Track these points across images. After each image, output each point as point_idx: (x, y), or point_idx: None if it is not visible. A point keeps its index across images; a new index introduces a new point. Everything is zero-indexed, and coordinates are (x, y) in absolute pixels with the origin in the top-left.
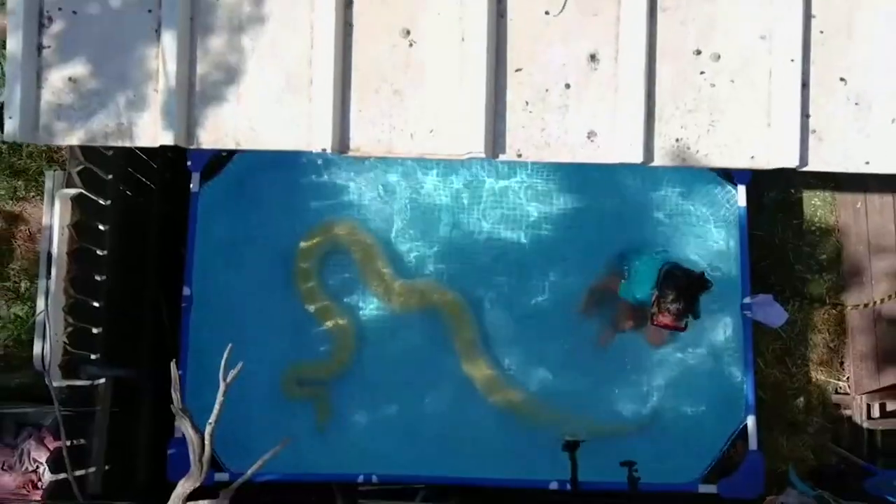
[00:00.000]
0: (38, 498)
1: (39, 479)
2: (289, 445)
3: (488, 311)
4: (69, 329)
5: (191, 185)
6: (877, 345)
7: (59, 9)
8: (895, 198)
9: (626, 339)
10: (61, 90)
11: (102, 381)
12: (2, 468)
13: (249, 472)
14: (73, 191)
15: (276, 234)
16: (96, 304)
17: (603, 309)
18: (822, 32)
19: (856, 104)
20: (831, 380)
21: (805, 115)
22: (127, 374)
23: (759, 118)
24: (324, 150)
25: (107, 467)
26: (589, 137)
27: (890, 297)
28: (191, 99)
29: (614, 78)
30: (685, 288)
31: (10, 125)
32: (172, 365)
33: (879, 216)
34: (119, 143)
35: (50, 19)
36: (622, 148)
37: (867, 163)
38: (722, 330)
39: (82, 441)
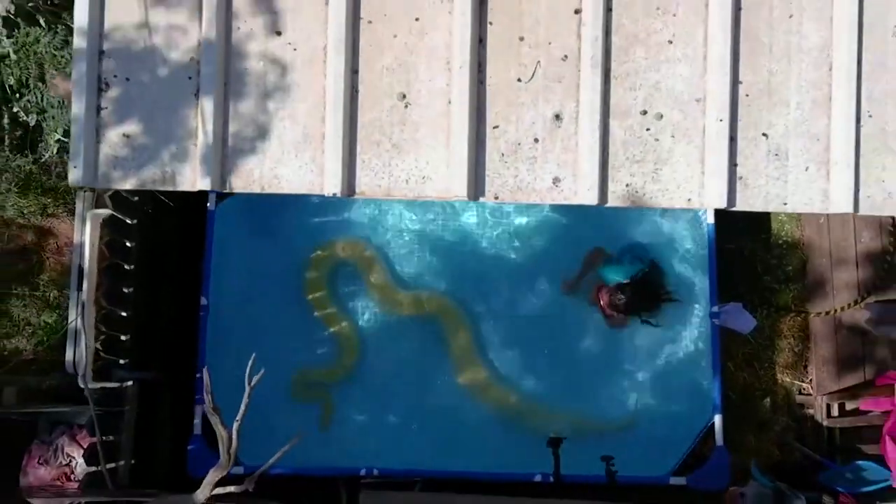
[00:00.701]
0: (71, 489)
1: (72, 472)
2: (301, 442)
3: (481, 318)
4: (102, 337)
5: (207, 204)
6: (837, 350)
7: (115, 76)
8: (855, 215)
9: (607, 346)
10: (117, 144)
11: (130, 383)
12: (38, 462)
13: (270, 462)
14: (105, 211)
15: (286, 250)
16: (124, 314)
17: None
18: (747, 96)
19: (775, 155)
20: (795, 382)
21: (733, 164)
22: (151, 377)
23: (694, 167)
24: (334, 194)
25: (133, 461)
26: (554, 183)
27: (850, 305)
28: (224, 151)
29: (575, 134)
30: (635, 292)
31: (75, 174)
32: (205, 371)
33: (841, 231)
34: (164, 188)
35: (107, 85)
36: (582, 192)
37: (785, 203)
38: (693, 337)
39: (112, 437)
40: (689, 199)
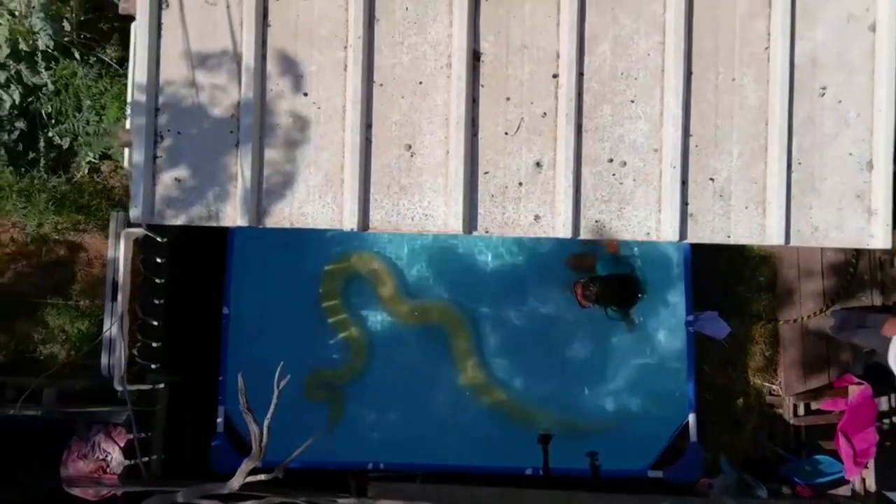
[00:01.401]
0: (107, 480)
1: (108, 466)
2: (301, 439)
3: (480, 325)
4: (137, 344)
5: None
6: (804, 354)
7: (168, 130)
8: None
9: (592, 352)
10: (170, 187)
11: (161, 385)
12: (77, 457)
13: (295, 454)
14: (138, 231)
15: (302, 263)
16: (156, 323)
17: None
18: (696, 146)
19: (720, 196)
20: (766, 384)
21: (684, 203)
22: (179, 380)
23: (652, 206)
24: (351, 229)
25: (163, 456)
26: (535, 219)
27: (816, 313)
28: (260, 193)
29: (553, 179)
30: (607, 288)
31: (135, 212)
32: (240, 377)
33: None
34: (209, 224)
35: (162, 137)
36: (558, 227)
37: (728, 237)
38: (670, 343)
39: (146, 434)
40: (647, 234)
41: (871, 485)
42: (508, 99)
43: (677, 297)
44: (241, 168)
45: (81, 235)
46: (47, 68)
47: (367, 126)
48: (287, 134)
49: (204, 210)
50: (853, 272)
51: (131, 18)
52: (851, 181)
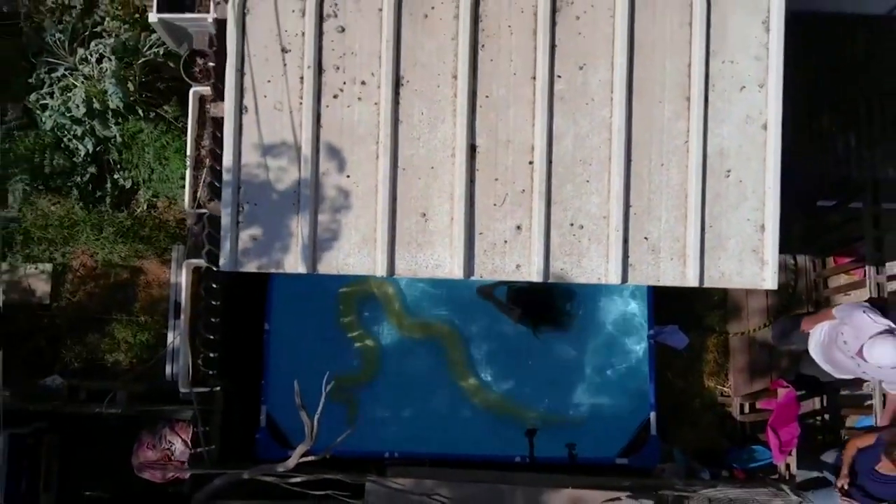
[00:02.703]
0: (171, 467)
1: (172, 454)
2: (332, 432)
3: (473, 339)
4: (200, 355)
5: None
6: (750, 361)
7: (247, 201)
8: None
9: (569, 359)
10: (247, 242)
11: (217, 388)
12: (146, 447)
13: (336, 441)
14: (198, 261)
15: (327, 287)
16: (213, 338)
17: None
18: (635, 214)
19: (652, 250)
20: (718, 386)
21: (626, 256)
22: (230, 385)
23: (602, 258)
24: (382, 276)
25: (218, 446)
26: (516, 268)
27: (760, 327)
28: (314, 248)
29: (529, 238)
30: (527, 307)
31: (222, 261)
32: (296, 383)
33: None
34: (275, 271)
35: (242, 207)
36: (533, 274)
37: (658, 280)
38: (635, 352)
39: (206, 428)
40: (598, 278)
41: (794, 468)
42: (497, 179)
43: (642, 315)
44: (300, 229)
45: (142, 261)
46: (116, 123)
47: (392, 199)
48: (334, 204)
49: (271, 260)
50: (792, 292)
51: (185, 81)
52: (748, 240)
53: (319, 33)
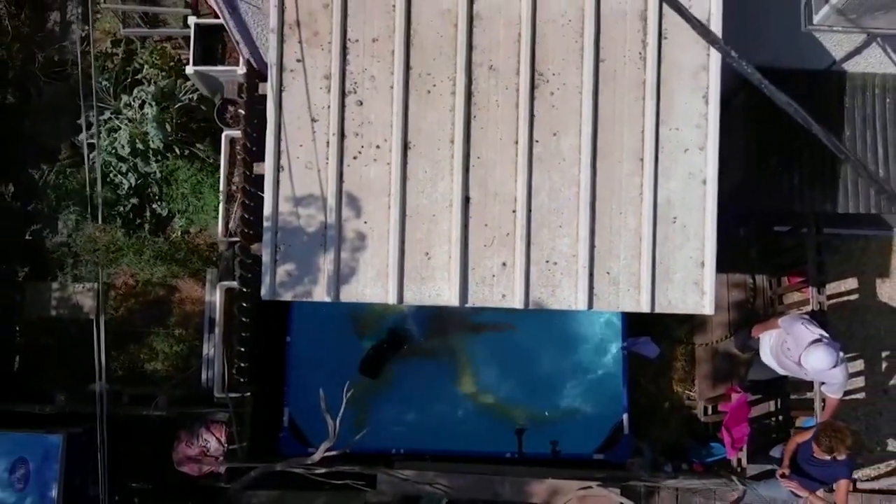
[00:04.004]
0: (207, 461)
1: (208, 451)
2: (345, 432)
3: (477, 352)
4: (235, 364)
5: None
6: (713, 369)
7: (283, 244)
8: (728, 276)
9: (553, 367)
10: (283, 276)
11: (248, 394)
12: (185, 444)
13: (357, 437)
14: (232, 284)
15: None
16: (242, 349)
17: None
18: (598, 253)
19: (613, 283)
20: (685, 391)
21: (591, 288)
22: (258, 390)
23: (572, 288)
24: (393, 303)
25: (245, 444)
26: (502, 297)
27: (722, 339)
28: (337, 281)
29: (513, 273)
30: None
31: (263, 292)
32: (321, 391)
33: (718, 287)
34: (305, 299)
35: (279, 247)
36: (516, 301)
37: (618, 306)
38: (610, 361)
39: (237, 428)
40: (569, 305)
41: (745, 462)
42: (486, 225)
43: (617, 328)
44: (325, 265)
45: (177, 281)
46: (156, 161)
47: (401, 241)
48: (353, 245)
49: (302, 290)
50: (751, 307)
51: (216, 122)
52: (691, 274)
53: (342, 106)
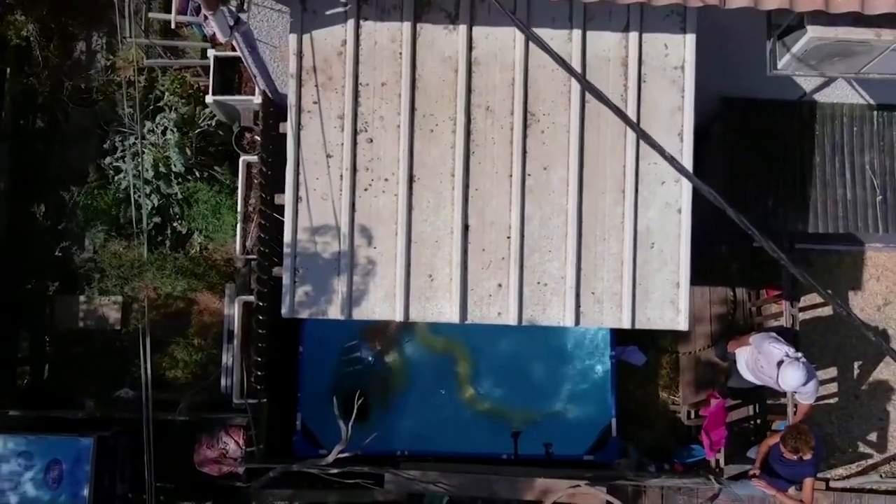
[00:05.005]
0: (227, 462)
1: (227, 453)
2: (355, 433)
3: (478, 355)
4: (253, 374)
5: None
6: (696, 376)
7: (302, 268)
8: (710, 290)
9: (546, 374)
10: (301, 296)
11: (265, 400)
12: (206, 447)
13: (366, 441)
14: (250, 298)
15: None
16: (259, 359)
17: None
18: (584, 275)
19: (597, 301)
20: (670, 397)
21: (578, 306)
22: (273, 396)
23: (560, 307)
24: (401, 319)
25: (262, 446)
26: (498, 315)
27: (704, 348)
28: (350, 301)
29: (507, 293)
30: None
31: (284, 311)
32: (335, 398)
33: (700, 301)
34: (321, 317)
35: (298, 271)
36: (510, 319)
37: (602, 323)
38: (599, 369)
39: (255, 432)
40: (558, 322)
41: (722, 463)
42: (484, 250)
43: (606, 339)
44: (340, 287)
45: (195, 294)
46: (178, 183)
47: (407, 265)
48: (364, 269)
49: (319, 309)
50: (731, 319)
51: (234, 147)
52: (667, 294)
53: (354, 143)
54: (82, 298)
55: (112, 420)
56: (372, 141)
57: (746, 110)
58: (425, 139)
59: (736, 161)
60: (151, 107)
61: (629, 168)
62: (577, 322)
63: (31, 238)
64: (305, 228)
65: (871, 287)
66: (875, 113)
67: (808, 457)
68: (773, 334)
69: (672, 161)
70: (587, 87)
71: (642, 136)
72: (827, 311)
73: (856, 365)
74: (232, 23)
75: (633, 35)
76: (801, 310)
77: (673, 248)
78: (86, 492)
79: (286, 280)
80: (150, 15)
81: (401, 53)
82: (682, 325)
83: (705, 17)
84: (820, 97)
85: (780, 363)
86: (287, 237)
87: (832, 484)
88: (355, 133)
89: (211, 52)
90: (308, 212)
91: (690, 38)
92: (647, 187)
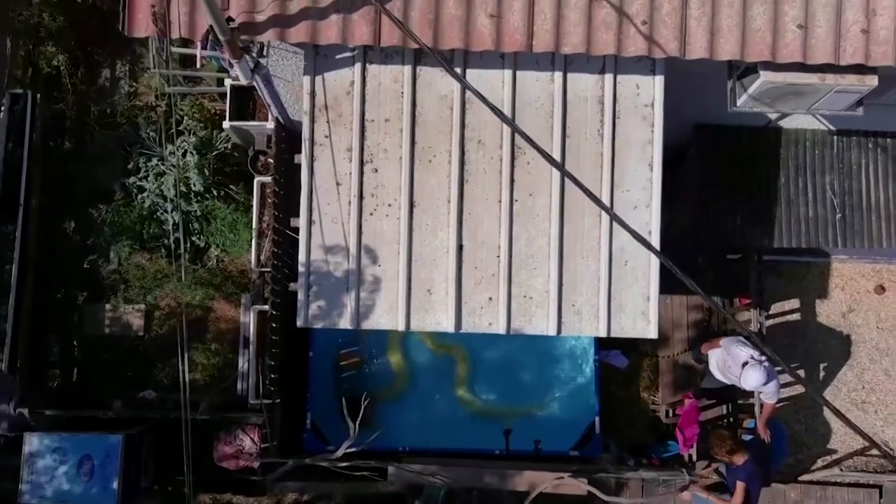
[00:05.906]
0: (243, 458)
1: (243, 449)
2: (360, 431)
3: (476, 359)
4: (267, 377)
5: None
6: (674, 378)
7: (315, 284)
8: (688, 298)
9: (534, 376)
10: (314, 309)
11: (278, 400)
12: (224, 444)
13: (370, 439)
14: (264, 307)
15: None
16: (273, 363)
17: None
18: (565, 289)
19: (577, 313)
20: (651, 397)
21: (559, 317)
22: (285, 397)
23: (544, 318)
24: (403, 329)
25: (275, 443)
26: (489, 325)
27: (681, 352)
28: (358, 313)
29: (497, 305)
30: None
31: (299, 322)
32: (343, 400)
33: (679, 309)
34: (333, 327)
35: (311, 286)
36: (500, 328)
37: (581, 331)
38: (584, 371)
39: (269, 430)
40: (542, 331)
41: (695, 457)
42: (476, 267)
43: (591, 343)
44: (349, 301)
45: (212, 302)
46: (197, 201)
47: (408, 281)
48: (371, 285)
49: (331, 320)
50: (707, 325)
51: (249, 170)
52: (639, 306)
53: (361, 173)
54: (108, 307)
55: (138, 419)
56: (377, 170)
57: (717, 136)
58: (424, 169)
59: (707, 182)
60: (172, 130)
61: (605, 195)
62: (559, 331)
63: (62, 251)
64: (318, 248)
65: (837, 296)
66: (835, 138)
67: (740, 462)
68: (741, 338)
69: (594, 198)
70: (517, 130)
71: (567, 175)
72: (795, 317)
73: (821, 367)
74: (253, 66)
75: (609, 77)
76: (770, 317)
77: (644, 266)
78: (115, 485)
79: (301, 296)
80: (174, 49)
81: (402, 93)
82: (651, 333)
83: (673, 60)
84: (785, 123)
85: (744, 364)
86: (302, 257)
87: (800, 478)
88: (362, 163)
89: (228, 82)
90: (321, 233)
91: (659, 80)
92: (620, 212)
